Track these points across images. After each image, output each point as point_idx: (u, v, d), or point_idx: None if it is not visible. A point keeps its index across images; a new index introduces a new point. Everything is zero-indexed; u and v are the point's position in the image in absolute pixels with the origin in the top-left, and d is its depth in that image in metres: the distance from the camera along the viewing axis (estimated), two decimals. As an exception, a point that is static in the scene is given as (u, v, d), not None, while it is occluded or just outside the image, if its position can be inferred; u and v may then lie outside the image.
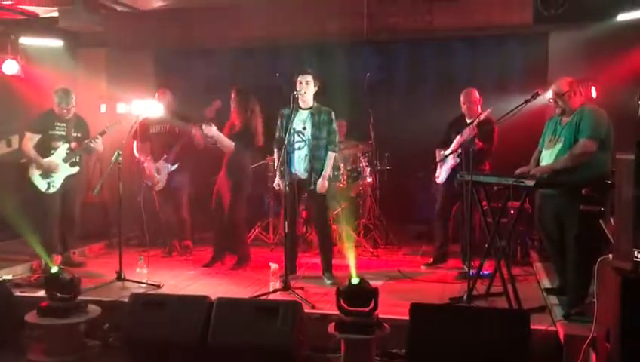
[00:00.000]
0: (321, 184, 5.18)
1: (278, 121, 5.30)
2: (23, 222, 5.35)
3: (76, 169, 5.85)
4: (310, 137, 5.18)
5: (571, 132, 4.22)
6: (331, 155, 5.23)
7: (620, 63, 5.91)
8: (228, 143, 5.68)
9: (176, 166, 6.31)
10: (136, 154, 6.42)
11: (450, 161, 5.53)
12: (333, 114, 5.26)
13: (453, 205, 5.67)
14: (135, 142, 6.37)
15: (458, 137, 5.42)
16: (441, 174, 5.67)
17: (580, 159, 4.11)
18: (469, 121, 5.50)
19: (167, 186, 6.34)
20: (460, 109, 5.65)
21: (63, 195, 5.79)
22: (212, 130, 5.60)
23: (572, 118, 4.27)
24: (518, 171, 4.46)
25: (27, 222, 5.42)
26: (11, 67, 6.81)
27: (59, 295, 4.17)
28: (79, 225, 6.08)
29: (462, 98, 5.62)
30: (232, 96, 5.79)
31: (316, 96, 5.27)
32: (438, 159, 5.66)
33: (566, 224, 4.22)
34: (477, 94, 5.59)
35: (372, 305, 3.71)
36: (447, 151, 5.52)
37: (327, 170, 5.21)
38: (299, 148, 5.22)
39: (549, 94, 4.47)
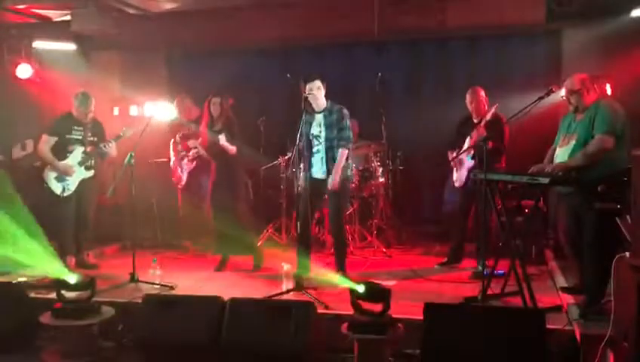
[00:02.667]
0: (333, 181, 5.08)
1: (300, 125, 5.16)
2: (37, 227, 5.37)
3: (91, 172, 5.87)
4: (325, 139, 5.17)
5: (586, 128, 4.16)
6: (342, 152, 5.09)
7: (635, 59, 5.84)
8: (231, 148, 5.69)
9: (194, 164, 6.46)
10: (172, 153, 6.63)
11: (468, 163, 5.50)
12: (344, 110, 5.18)
13: (472, 204, 5.63)
14: (172, 142, 6.58)
15: (469, 139, 5.40)
16: (460, 177, 5.64)
17: (597, 156, 4.04)
18: (476, 120, 5.48)
19: (188, 185, 6.51)
20: (467, 109, 5.64)
21: (78, 198, 5.81)
22: (224, 139, 5.64)
23: (586, 113, 4.21)
24: (532, 169, 4.41)
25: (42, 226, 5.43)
26: (25, 71, 6.87)
27: (72, 296, 4.20)
28: (93, 228, 6.12)
29: (468, 97, 5.60)
30: (212, 100, 5.75)
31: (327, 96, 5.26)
32: (451, 159, 5.62)
33: (583, 222, 4.17)
34: (483, 93, 5.56)
35: (385, 305, 3.69)
36: (460, 153, 5.49)
37: (339, 167, 5.07)
38: (317, 152, 5.22)
39: (562, 92, 4.42)
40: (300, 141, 5.07)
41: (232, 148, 5.67)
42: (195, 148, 6.00)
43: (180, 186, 6.58)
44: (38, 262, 4.96)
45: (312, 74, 5.16)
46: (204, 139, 5.82)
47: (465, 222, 5.75)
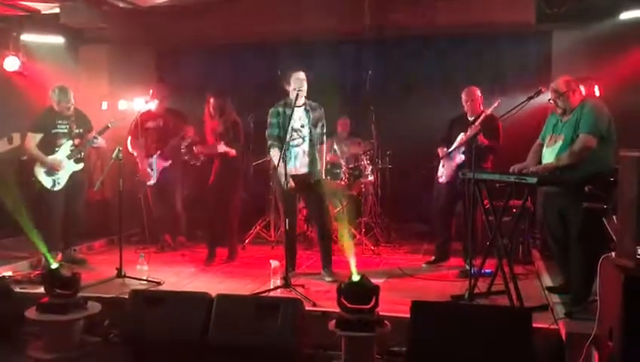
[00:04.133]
0: (318, 171, 5.32)
1: (274, 120, 5.27)
2: (24, 219, 5.31)
3: (81, 165, 5.84)
4: (309, 134, 5.23)
5: (572, 129, 4.20)
6: (323, 147, 5.37)
7: (624, 61, 5.88)
8: (231, 151, 5.84)
9: (169, 162, 6.40)
10: (130, 149, 6.46)
11: (455, 159, 5.50)
12: (322, 109, 5.36)
13: (456, 203, 5.65)
14: (130, 137, 6.42)
15: (462, 135, 5.41)
16: (445, 173, 5.64)
17: (581, 155, 4.08)
18: (471, 119, 5.49)
19: (161, 182, 6.44)
20: (461, 108, 5.64)
21: (67, 192, 5.77)
22: (223, 147, 5.77)
23: (573, 115, 4.25)
24: (513, 168, 4.41)
25: (29, 218, 5.38)
26: (13, 64, 6.80)
27: (58, 291, 4.16)
28: (82, 222, 6.08)
29: (464, 96, 5.60)
30: (212, 101, 5.86)
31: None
32: (441, 155, 5.63)
33: (569, 222, 4.20)
34: (478, 92, 5.57)
35: (373, 302, 3.69)
36: (451, 149, 5.50)
37: (324, 161, 5.42)
38: (297, 146, 5.23)
39: (548, 94, 4.45)
40: (286, 135, 5.11)
41: (232, 152, 5.73)
42: (201, 153, 6.00)
43: (148, 183, 6.47)
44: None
45: (296, 65, 5.33)
46: (210, 140, 5.85)
47: (449, 220, 5.76)
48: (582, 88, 4.53)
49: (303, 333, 3.78)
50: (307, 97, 5.27)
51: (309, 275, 5.33)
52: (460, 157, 5.44)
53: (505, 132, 5.45)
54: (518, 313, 3.85)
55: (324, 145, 5.43)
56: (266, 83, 7.31)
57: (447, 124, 5.77)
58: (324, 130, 5.38)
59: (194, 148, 6.10)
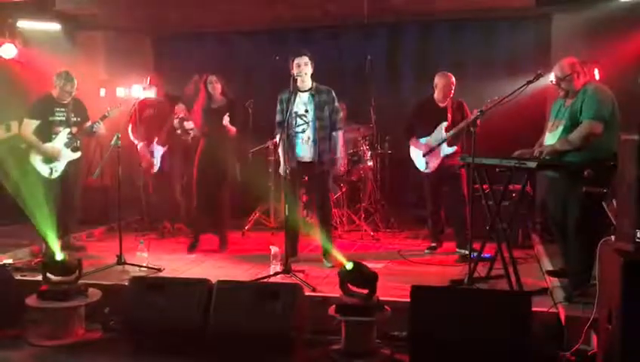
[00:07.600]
0: (341, 166, 5.39)
1: (279, 106, 5.22)
2: (27, 207, 5.32)
3: (78, 154, 5.82)
4: (313, 119, 5.12)
5: (574, 114, 4.16)
6: (339, 135, 5.22)
7: (624, 44, 5.85)
8: (232, 128, 5.74)
9: (166, 148, 6.43)
10: (132, 137, 6.45)
11: (442, 149, 5.47)
12: (333, 92, 5.20)
13: (442, 189, 5.68)
14: (130, 125, 6.41)
15: (444, 124, 5.45)
16: (431, 162, 5.58)
17: (585, 141, 4.03)
18: (442, 105, 5.53)
19: (161, 169, 6.47)
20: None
21: (64, 180, 5.75)
22: (227, 119, 5.66)
23: (575, 99, 4.21)
24: (516, 153, 4.41)
25: (30, 206, 5.38)
26: (9, 51, 6.75)
27: (58, 278, 4.18)
28: (80, 209, 6.08)
29: (441, 81, 5.54)
30: (210, 79, 5.76)
31: (313, 77, 5.23)
32: (424, 152, 5.58)
33: (569, 205, 4.19)
34: (453, 78, 5.55)
35: (373, 287, 3.70)
36: (436, 142, 5.45)
37: (341, 151, 5.31)
38: (302, 131, 5.17)
39: (551, 77, 4.41)
40: (287, 122, 5.06)
41: (233, 129, 5.67)
42: (192, 129, 5.90)
43: (152, 171, 6.47)
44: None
45: (301, 49, 5.16)
46: (198, 118, 5.78)
47: (440, 207, 5.76)
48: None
49: (303, 319, 3.80)
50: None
51: (309, 261, 5.33)
52: (449, 150, 5.44)
53: (504, 116, 5.42)
54: (517, 297, 3.85)
55: (340, 133, 5.22)
56: (264, 69, 7.29)
57: (414, 109, 5.78)
58: (337, 116, 5.17)
59: (184, 123, 5.97)
